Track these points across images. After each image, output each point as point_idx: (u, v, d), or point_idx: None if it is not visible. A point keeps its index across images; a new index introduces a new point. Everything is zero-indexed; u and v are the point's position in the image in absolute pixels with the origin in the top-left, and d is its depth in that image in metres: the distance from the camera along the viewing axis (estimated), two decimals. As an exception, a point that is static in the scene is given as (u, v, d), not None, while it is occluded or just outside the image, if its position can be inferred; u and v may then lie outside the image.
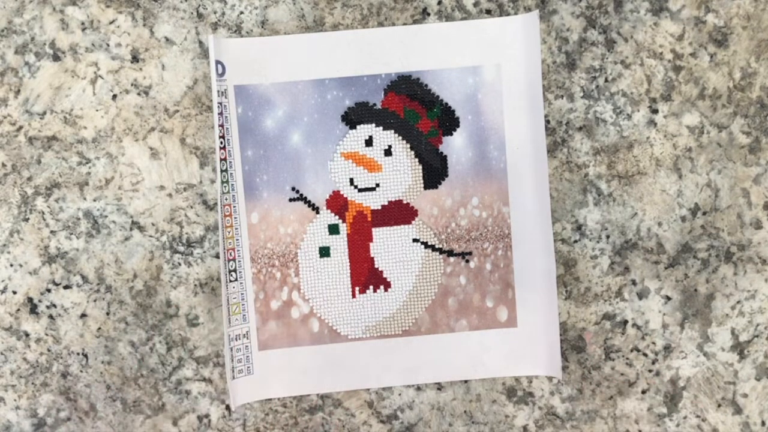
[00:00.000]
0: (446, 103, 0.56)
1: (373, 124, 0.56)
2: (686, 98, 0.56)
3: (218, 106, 0.54)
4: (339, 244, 0.56)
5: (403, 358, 0.57)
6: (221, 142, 0.54)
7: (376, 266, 0.57)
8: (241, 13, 0.55)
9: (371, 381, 0.57)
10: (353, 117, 0.56)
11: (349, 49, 0.55)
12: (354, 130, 0.56)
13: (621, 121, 0.56)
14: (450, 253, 0.56)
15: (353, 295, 0.57)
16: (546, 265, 0.56)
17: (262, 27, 0.55)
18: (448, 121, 0.56)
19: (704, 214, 0.57)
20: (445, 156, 0.56)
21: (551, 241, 0.56)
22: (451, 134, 0.56)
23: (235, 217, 0.55)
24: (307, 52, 0.55)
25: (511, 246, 0.56)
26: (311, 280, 0.56)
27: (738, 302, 0.57)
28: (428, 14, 0.56)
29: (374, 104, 0.56)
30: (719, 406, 0.58)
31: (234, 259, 0.55)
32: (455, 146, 0.56)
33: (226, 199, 0.54)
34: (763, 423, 0.58)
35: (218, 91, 0.54)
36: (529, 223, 0.56)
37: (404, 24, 0.56)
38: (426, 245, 0.56)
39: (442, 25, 0.55)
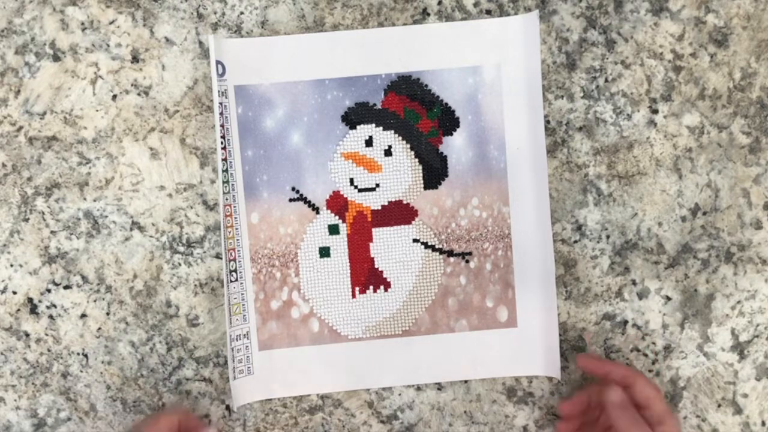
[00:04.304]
0: (446, 104, 0.56)
1: (373, 125, 0.56)
2: (686, 98, 0.56)
3: (219, 106, 0.54)
4: (339, 245, 0.56)
5: (403, 358, 0.57)
6: (222, 142, 0.54)
7: (376, 266, 0.56)
8: (241, 13, 0.55)
9: (371, 381, 0.57)
10: (353, 117, 0.56)
11: (349, 50, 0.55)
12: (354, 131, 0.56)
13: (621, 121, 0.56)
14: (450, 253, 0.56)
15: (353, 295, 0.57)
16: (546, 265, 0.56)
17: (262, 27, 0.55)
18: (448, 121, 0.56)
19: (704, 214, 0.57)
20: (445, 156, 0.56)
21: (551, 241, 0.56)
22: (451, 134, 0.56)
23: (236, 218, 0.55)
24: (307, 52, 0.55)
25: (511, 246, 0.56)
26: (311, 280, 0.56)
27: (738, 302, 0.57)
28: (428, 14, 0.56)
29: (374, 104, 0.56)
30: (719, 406, 0.57)
31: (234, 260, 0.55)
32: (455, 146, 0.56)
33: (227, 200, 0.54)
34: (763, 423, 0.58)
35: (218, 91, 0.54)
36: (529, 223, 0.56)
37: (404, 24, 0.56)
38: (426, 245, 0.56)
39: (442, 26, 0.55)
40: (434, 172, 0.56)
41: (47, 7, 0.55)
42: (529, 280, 0.56)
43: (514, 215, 0.56)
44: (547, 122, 0.56)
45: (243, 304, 0.55)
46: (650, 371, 0.57)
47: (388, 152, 0.56)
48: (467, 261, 0.56)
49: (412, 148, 0.56)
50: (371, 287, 0.57)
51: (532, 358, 0.56)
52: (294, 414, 0.57)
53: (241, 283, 0.55)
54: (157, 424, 0.51)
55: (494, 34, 0.55)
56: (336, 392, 0.57)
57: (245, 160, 0.55)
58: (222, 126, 0.54)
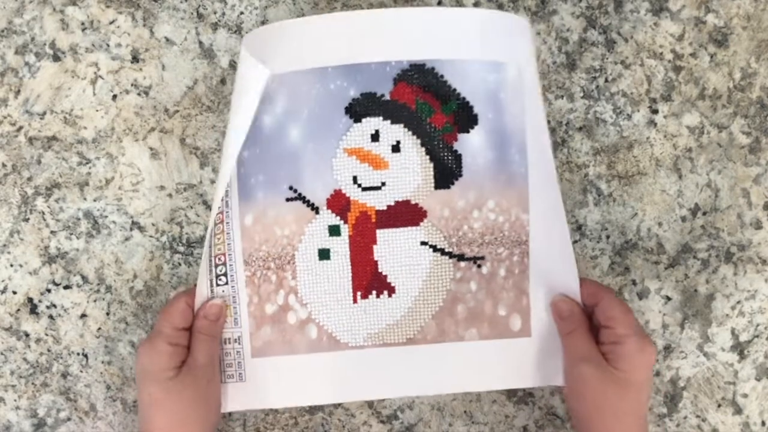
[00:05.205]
0: (464, 98, 0.51)
1: (381, 118, 0.51)
2: (686, 98, 0.56)
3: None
4: (340, 247, 0.52)
5: (406, 368, 0.53)
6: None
7: (379, 270, 0.52)
8: (241, 13, 0.55)
9: (371, 393, 0.54)
10: (358, 109, 0.51)
11: (355, 34, 0.50)
12: (359, 124, 0.51)
13: (621, 121, 0.56)
14: (461, 257, 0.52)
15: (354, 300, 0.53)
16: (567, 275, 0.52)
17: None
18: (465, 118, 0.51)
19: (704, 214, 0.57)
20: (460, 154, 0.51)
21: (572, 253, 0.52)
22: (468, 132, 0.51)
23: (228, 222, 0.52)
24: (308, 37, 0.50)
25: (528, 253, 0.52)
26: (309, 284, 0.53)
27: (738, 302, 0.57)
28: (428, 14, 0.56)
29: (382, 95, 0.51)
30: (719, 406, 0.57)
31: (224, 264, 0.52)
32: (472, 145, 0.51)
33: (219, 207, 0.52)
34: (763, 423, 0.58)
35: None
36: (550, 234, 0.52)
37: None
38: (435, 249, 0.52)
39: (464, 10, 0.52)
40: (447, 170, 0.51)
41: (47, 7, 0.55)
42: (546, 289, 0.52)
43: (534, 223, 0.52)
44: (547, 122, 0.56)
45: (234, 307, 0.53)
46: (650, 371, 0.57)
47: (395, 148, 0.51)
48: (479, 266, 0.52)
49: (422, 144, 0.51)
50: (374, 292, 0.53)
51: (546, 370, 0.53)
52: (294, 414, 0.57)
53: (232, 287, 0.52)
54: (168, 314, 0.50)
55: (516, 30, 0.51)
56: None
57: (240, 160, 0.51)
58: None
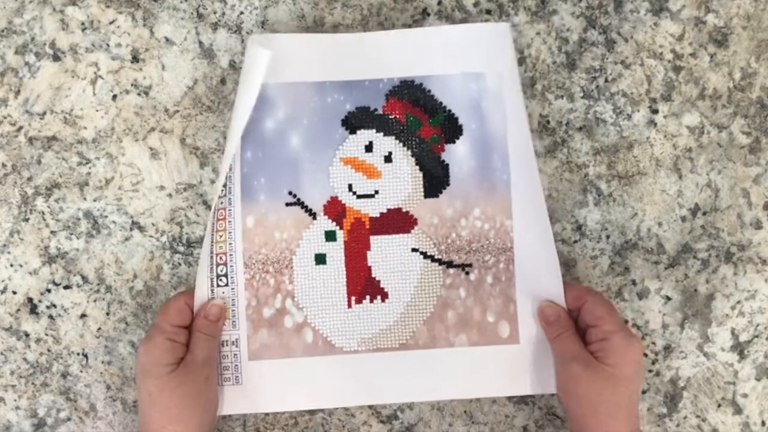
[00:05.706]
0: (449, 110, 0.54)
1: (374, 130, 0.54)
2: (686, 98, 0.56)
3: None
4: (335, 252, 0.54)
5: (399, 374, 0.54)
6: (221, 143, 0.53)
7: (373, 275, 0.55)
8: (241, 13, 0.55)
9: (366, 397, 0.55)
10: (353, 122, 0.54)
11: (351, 52, 0.54)
12: (354, 135, 0.54)
13: (621, 121, 0.56)
14: (450, 264, 0.55)
15: (349, 305, 0.54)
16: (551, 281, 0.54)
17: (262, 27, 0.55)
18: (451, 129, 0.54)
19: (704, 214, 0.57)
20: (447, 164, 0.54)
21: (555, 258, 0.54)
22: (454, 142, 0.54)
23: (230, 221, 0.54)
24: (309, 52, 0.54)
25: (513, 259, 0.54)
26: (306, 288, 0.54)
27: (738, 302, 0.57)
28: (428, 14, 0.56)
29: (375, 109, 0.54)
30: (719, 406, 0.57)
31: (225, 264, 0.54)
32: (458, 155, 0.54)
33: (222, 203, 0.53)
34: (763, 423, 0.58)
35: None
36: (533, 239, 0.54)
37: (404, 24, 0.56)
38: (425, 255, 0.54)
39: (445, 28, 0.54)
40: (435, 180, 0.54)
41: (47, 7, 0.55)
42: (533, 296, 0.54)
43: (517, 229, 0.54)
44: (547, 122, 0.56)
45: (233, 310, 0.54)
46: (650, 371, 0.57)
47: (388, 158, 0.54)
48: (467, 273, 0.54)
49: (413, 155, 0.54)
50: (368, 297, 0.55)
51: (535, 377, 0.54)
52: (294, 414, 0.57)
53: (233, 289, 0.54)
54: (167, 312, 0.52)
55: (495, 40, 0.54)
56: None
57: (244, 161, 0.54)
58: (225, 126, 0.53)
